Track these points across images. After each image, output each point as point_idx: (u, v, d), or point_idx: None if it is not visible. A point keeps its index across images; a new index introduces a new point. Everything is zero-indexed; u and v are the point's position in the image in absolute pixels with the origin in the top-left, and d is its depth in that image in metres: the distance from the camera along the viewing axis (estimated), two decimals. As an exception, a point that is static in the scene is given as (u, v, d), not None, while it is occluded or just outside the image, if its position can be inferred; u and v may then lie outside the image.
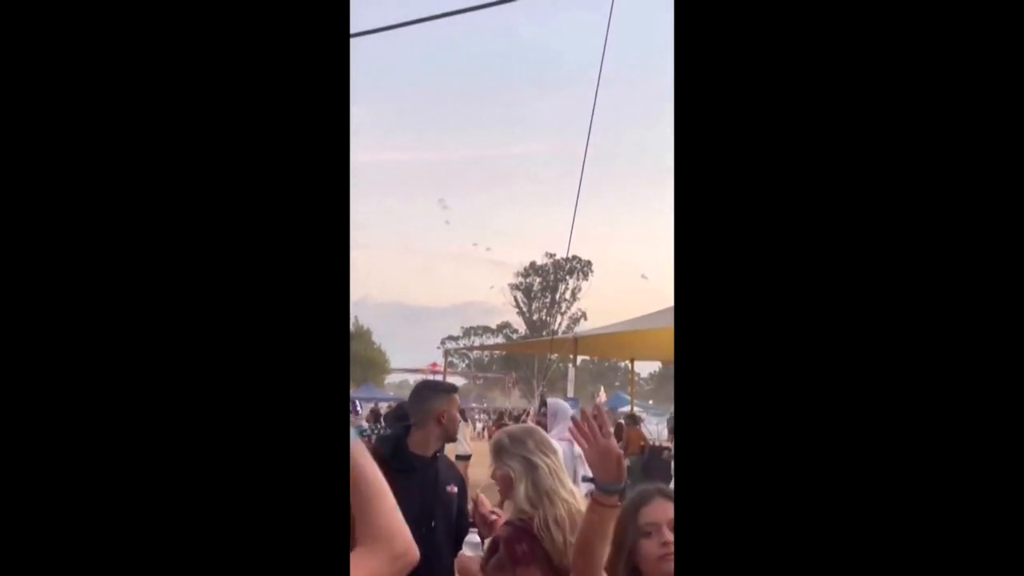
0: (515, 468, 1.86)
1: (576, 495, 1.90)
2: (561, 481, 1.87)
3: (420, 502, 2.11)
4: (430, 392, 2.32)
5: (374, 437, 10.04)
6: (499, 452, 1.93)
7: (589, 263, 36.86)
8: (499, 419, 12.87)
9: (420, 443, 2.21)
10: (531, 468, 1.85)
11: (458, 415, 2.30)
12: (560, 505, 1.82)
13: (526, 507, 1.83)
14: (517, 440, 1.92)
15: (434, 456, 2.24)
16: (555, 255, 38.19)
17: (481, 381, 39.38)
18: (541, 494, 1.83)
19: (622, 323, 11.22)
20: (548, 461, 1.87)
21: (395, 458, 2.15)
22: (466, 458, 10.72)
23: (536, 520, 1.81)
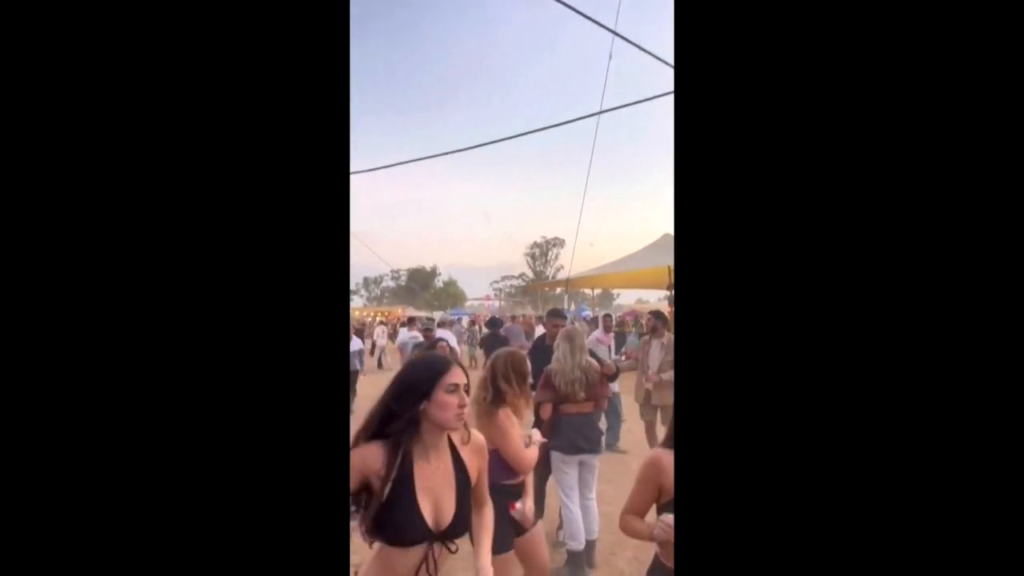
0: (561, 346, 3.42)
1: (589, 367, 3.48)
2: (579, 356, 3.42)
3: None
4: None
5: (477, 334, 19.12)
6: (566, 341, 3.46)
7: (562, 240, 64.33)
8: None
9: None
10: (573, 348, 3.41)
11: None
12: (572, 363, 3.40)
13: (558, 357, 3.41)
14: (578, 334, 3.43)
15: None
16: (546, 236, 66.00)
17: (510, 303, 66.96)
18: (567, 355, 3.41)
19: (598, 267, 15.78)
20: (581, 345, 3.45)
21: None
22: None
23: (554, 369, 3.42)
